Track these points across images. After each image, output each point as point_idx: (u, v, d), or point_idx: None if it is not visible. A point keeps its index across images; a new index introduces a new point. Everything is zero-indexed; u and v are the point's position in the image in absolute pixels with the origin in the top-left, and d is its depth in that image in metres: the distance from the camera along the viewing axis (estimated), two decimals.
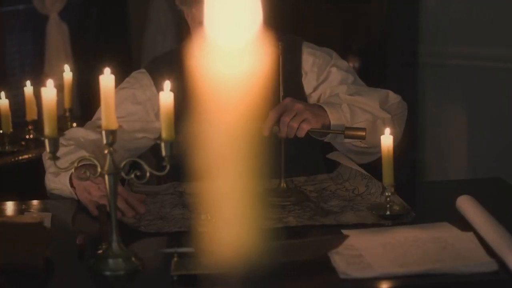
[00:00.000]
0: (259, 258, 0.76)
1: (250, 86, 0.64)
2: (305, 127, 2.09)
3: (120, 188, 1.96)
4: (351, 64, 4.36)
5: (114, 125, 1.65)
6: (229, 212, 0.71)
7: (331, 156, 2.32)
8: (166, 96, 1.60)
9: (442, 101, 4.09)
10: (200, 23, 2.20)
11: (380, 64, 4.21)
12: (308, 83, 2.38)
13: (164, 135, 1.62)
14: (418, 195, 2.27)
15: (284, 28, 4.08)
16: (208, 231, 0.79)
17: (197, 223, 1.66)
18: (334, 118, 2.15)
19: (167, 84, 1.61)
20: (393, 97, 2.31)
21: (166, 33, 4.59)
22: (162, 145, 1.62)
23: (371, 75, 4.17)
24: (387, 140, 1.96)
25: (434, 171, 4.13)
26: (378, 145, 2.05)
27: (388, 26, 4.13)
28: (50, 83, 1.67)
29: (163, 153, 1.63)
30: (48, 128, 1.67)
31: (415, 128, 4.10)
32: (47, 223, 1.93)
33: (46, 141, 1.67)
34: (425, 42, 4.11)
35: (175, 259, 1.66)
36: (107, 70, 1.63)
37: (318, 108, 2.16)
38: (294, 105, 2.10)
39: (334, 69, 2.38)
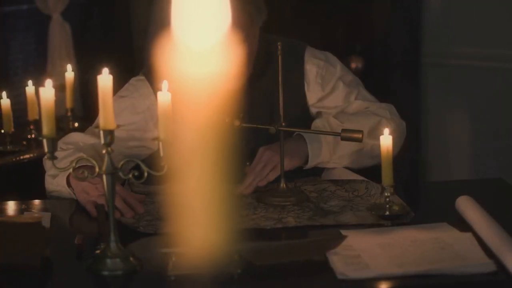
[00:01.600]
0: (227, 259, 0.76)
1: (218, 86, 0.64)
2: (271, 177, 2.17)
3: (118, 188, 1.97)
4: (353, 65, 4.37)
5: (112, 125, 1.65)
6: (199, 214, 0.71)
7: (327, 176, 2.32)
8: (164, 96, 1.60)
9: (444, 101, 4.09)
10: None
11: (382, 64, 4.21)
12: (312, 94, 2.37)
13: (162, 135, 1.61)
14: (418, 195, 2.26)
15: (286, 28, 4.08)
16: (179, 233, 0.79)
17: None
18: (314, 155, 2.22)
19: (165, 84, 1.60)
20: (385, 125, 2.24)
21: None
22: (160, 144, 1.62)
23: (373, 75, 4.17)
24: (386, 140, 1.95)
25: (436, 171, 4.13)
26: (367, 166, 2.19)
27: (391, 26, 4.13)
28: (48, 83, 1.67)
29: (161, 153, 1.62)
30: (46, 128, 1.67)
31: (418, 128, 4.10)
32: (47, 223, 1.94)
33: (44, 141, 1.68)
34: (427, 42, 4.10)
35: (173, 259, 1.66)
36: (105, 70, 1.63)
37: (296, 144, 2.22)
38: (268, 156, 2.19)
39: (341, 85, 2.38)
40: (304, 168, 2.26)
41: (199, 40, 0.66)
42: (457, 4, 3.99)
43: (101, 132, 1.66)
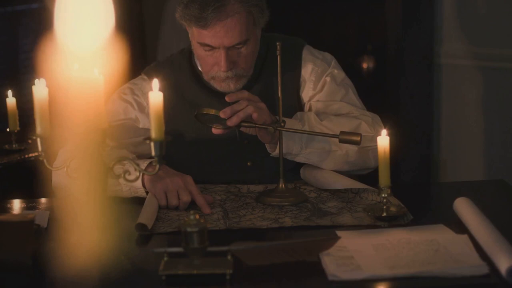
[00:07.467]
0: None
1: (100, 89, 0.64)
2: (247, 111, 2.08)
3: (192, 186, 2.08)
4: (365, 65, 4.36)
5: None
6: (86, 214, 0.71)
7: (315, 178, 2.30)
8: (155, 96, 1.59)
9: (456, 102, 4.06)
10: (196, 42, 2.20)
11: (395, 64, 4.19)
12: (306, 92, 2.36)
13: (153, 134, 1.61)
14: (417, 196, 2.24)
15: (297, 28, 4.07)
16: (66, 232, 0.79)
17: (187, 222, 1.66)
18: (287, 139, 2.17)
19: (155, 83, 1.60)
20: (365, 130, 2.23)
21: (181, 34, 4.59)
22: (152, 144, 1.62)
23: (385, 75, 4.15)
24: (383, 141, 1.94)
25: (448, 171, 4.10)
26: (340, 170, 2.21)
27: (403, 26, 4.11)
28: (41, 82, 1.67)
29: (153, 153, 1.62)
30: (40, 127, 1.68)
31: (430, 128, 4.07)
32: (43, 221, 1.94)
33: (38, 140, 1.68)
34: (440, 42, 4.08)
35: (165, 259, 1.66)
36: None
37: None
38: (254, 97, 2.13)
39: (328, 80, 2.35)
40: (272, 155, 2.22)
41: (82, 44, 0.66)
42: (471, 4, 3.96)
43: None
